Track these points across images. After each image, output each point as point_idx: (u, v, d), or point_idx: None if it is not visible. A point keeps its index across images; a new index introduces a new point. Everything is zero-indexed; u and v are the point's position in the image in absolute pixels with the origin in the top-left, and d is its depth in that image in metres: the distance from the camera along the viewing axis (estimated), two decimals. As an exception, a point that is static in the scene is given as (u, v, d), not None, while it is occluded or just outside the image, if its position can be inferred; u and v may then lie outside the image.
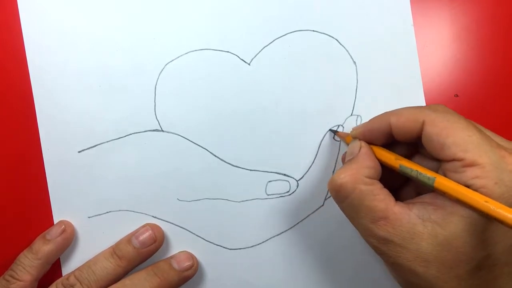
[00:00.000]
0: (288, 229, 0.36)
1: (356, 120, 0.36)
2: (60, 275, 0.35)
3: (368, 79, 0.36)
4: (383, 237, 0.26)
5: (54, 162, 0.35)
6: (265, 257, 0.36)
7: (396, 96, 0.36)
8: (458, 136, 0.25)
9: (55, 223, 0.35)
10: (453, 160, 0.25)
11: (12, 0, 0.35)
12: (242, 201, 0.36)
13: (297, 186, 0.36)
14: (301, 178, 0.36)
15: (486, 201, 0.23)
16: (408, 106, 0.29)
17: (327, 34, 0.36)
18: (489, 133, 0.28)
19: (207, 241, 0.36)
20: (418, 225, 0.25)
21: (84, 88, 0.35)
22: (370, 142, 0.30)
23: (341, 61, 0.36)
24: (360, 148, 0.30)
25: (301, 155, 0.36)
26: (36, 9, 0.35)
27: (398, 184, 0.32)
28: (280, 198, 0.36)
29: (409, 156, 0.31)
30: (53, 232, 0.34)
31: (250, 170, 0.36)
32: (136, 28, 0.36)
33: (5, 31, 0.35)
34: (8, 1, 0.35)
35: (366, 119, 0.36)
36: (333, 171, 0.36)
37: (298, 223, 0.36)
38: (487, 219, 0.24)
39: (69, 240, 0.35)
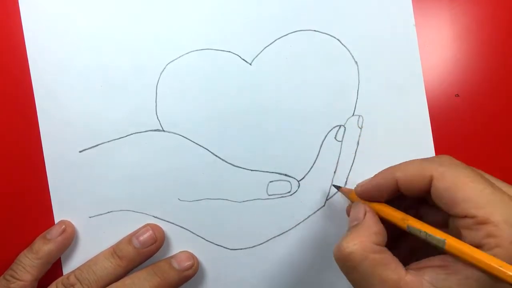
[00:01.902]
0: (289, 230, 0.36)
1: (358, 120, 0.36)
2: (61, 274, 0.35)
3: (369, 79, 0.36)
4: None
5: (55, 162, 0.35)
6: (266, 258, 0.36)
7: (398, 96, 0.36)
8: (469, 192, 0.24)
9: (56, 223, 0.35)
10: (466, 217, 0.24)
11: (13, 0, 0.35)
12: (243, 201, 0.36)
13: (298, 187, 0.36)
14: (303, 178, 0.36)
15: (501, 266, 0.23)
16: (413, 159, 0.28)
17: (328, 34, 0.36)
18: (499, 183, 0.27)
19: (208, 241, 0.36)
20: None
21: (85, 88, 0.35)
22: (375, 199, 0.30)
23: (343, 61, 0.36)
24: (365, 213, 0.29)
25: (303, 156, 0.36)
26: (37, 8, 0.35)
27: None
28: (281, 198, 0.36)
29: (417, 206, 0.30)
30: (54, 231, 0.34)
31: (251, 170, 0.36)
32: (137, 27, 0.36)
33: (6, 30, 0.35)
34: (9, 1, 0.35)
35: (367, 119, 0.36)
36: (334, 171, 0.36)
37: (299, 223, 0.36)
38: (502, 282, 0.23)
39: (69, 239, 0.35)
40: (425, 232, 0.26)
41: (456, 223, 0.25)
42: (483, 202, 0.24)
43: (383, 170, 0.29)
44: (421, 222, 0.27)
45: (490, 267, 0.23)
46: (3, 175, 0.35)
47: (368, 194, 0.30)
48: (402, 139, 0.36)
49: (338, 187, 0.35)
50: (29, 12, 0.35)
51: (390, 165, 0.29)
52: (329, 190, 0.36)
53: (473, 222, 0.24)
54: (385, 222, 0.28)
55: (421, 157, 0.30)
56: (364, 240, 0.26)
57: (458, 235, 0.25)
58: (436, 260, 0.25)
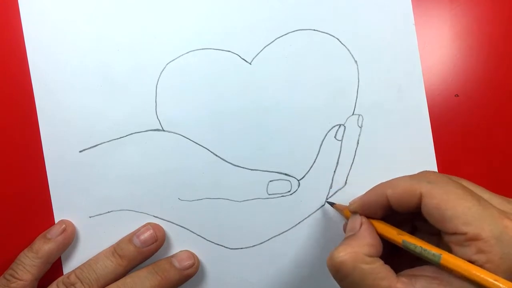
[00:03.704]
0: (289, 229, 0.36)
1: (358, 120, 0.36)
2: (61, 274, 0.35)
3: (369, 79, 0.36)
4: None
5: (55, 162, 0.35)
6: (266, 257, 0.36)
7: (398, 96, 0.36)
8: (458, 209, 0.25)
9: (56, 223, 0.35)
10: (455, 233, 0.25)
11: (13, 0, 0.35)
12: (243, 200, 0.36)
13: (298, 186, 0.36)
14: (303, 177, 0.36)
15: (496, 280, 0.23)
16: (402, 176, 0.29)
17: (328, 33, 0.36)
18: (488, 195, 0.27)
19: (208, 240, 0.36)
20: None
21: (85, 88, 0.35)
22: (369, 216, 0.30)
23: (343, 60, 0.36)
24: (361, 224, 0.29)
25: (302, 155, 0.36)
26: (36, 8, 0.35)
27: None
28: (281, 197, 0.36)
29: (412, 219, 0.30)
30: (54, 231, 0.34)
31: (251, 169, 0.36)
32: (137, 27, 0.36)
33: (6, 30, 0.35)
34: (9, 1, 0.35)
35: (367, 118, 0.36)
36: (334, 171, 0.36)
37: (299, 223, 0.36)
38: None
39: (69, 239, 0.35)
40: (420, 247, 0.26)
41: (447, 239, 0.26)
42: (472, 219, 0.24)
43: (375, 187, 0.29)
44: (416, 237, 0.27)
45: (485, 281, 0.23)
46: (3, 175, 0.35)
47: (362, 211, 0.30)
48: (402, 139, 0.36)
49: (332, 204, 0.35)
50: (29, 12, 0.35)
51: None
52: (329, 190, 0.36)
53: (463, 238, 0.24)
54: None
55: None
56: (356, 250, 0.27)
57: (449, 250, 0.25)
58: (428, 270, 0.26)
